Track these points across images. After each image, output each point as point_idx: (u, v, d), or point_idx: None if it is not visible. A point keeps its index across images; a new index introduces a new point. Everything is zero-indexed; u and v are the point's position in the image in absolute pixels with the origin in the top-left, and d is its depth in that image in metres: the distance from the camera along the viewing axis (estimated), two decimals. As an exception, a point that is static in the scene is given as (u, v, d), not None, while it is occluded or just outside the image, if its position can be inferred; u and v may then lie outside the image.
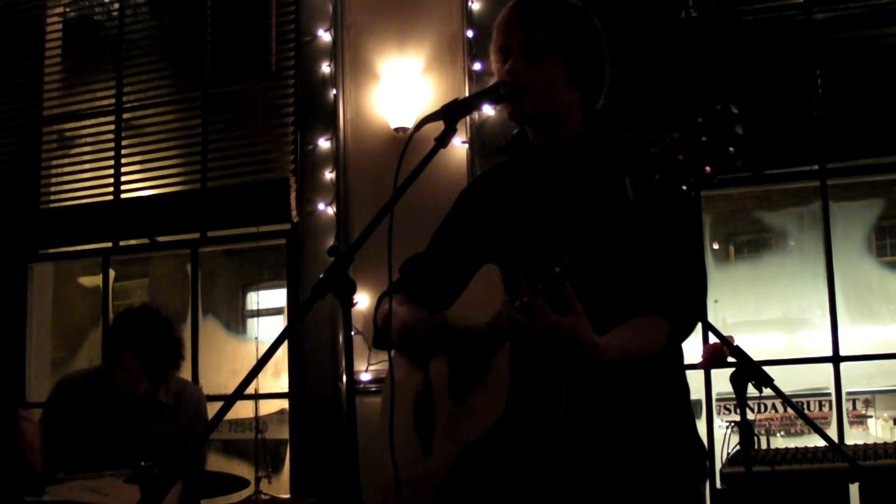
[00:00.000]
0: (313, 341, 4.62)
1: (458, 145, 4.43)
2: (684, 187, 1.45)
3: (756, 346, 3.38)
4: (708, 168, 1.43)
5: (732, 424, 2.95)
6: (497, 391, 1.75)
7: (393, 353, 2.16)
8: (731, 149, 1.41)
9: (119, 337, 3.49)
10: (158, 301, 3.76)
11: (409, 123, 4.53)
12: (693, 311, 1.87)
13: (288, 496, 4.44)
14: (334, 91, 4.75)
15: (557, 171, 1.99)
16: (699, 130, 1.43)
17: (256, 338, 4.88)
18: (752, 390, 2.77)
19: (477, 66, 4.49)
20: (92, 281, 6.87)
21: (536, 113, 1.96)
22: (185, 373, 4.83)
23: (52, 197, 5.35)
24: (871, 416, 7.42)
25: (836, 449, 3.07)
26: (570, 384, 1.77)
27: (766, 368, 2.75)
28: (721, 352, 2.96)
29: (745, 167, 4.27)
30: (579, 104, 2.00)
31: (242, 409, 5.93)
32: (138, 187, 5.18)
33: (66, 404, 3.55)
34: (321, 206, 4.71)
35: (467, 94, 4.25)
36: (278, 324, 7.15)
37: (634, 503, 1.84)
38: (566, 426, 1.79)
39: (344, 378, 4.46)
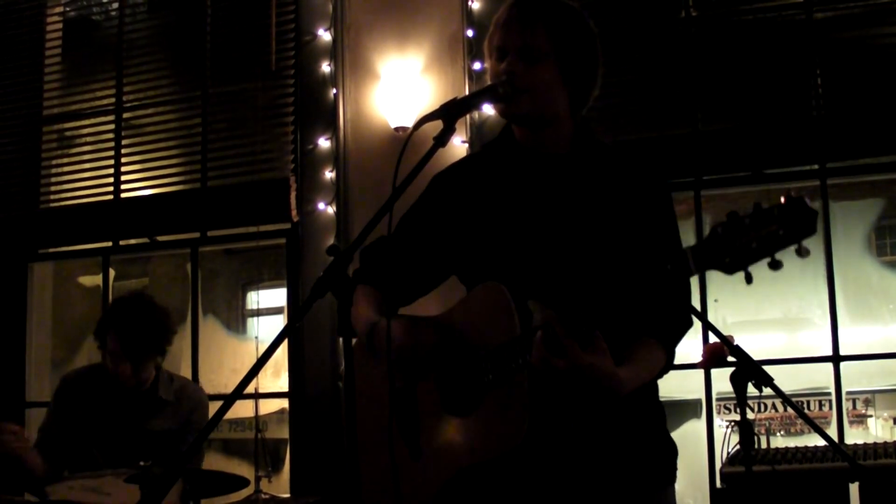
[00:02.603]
0: (313, 341, 4.62)
1: (458, 144, 4.43)
2: (747, 268, 1.51)
3: (756, 345, 3.38)
4: (776, 254, 1.48)
5: (732, 424, 2.95)
6: (515, 419, 1.76)
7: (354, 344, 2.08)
8: (805, 244, 1.46)
9: (104, 319, 3.53)
10: (159, 300, 3.74)
11: (409, 123, 4.52)
12: (683, 333, 1.96)
13: (288, 495, 4.43)
14: (334, 90, 4.75)
15: (552, 180, 1.99)
16: (774, 221, 1.48)
17: (256, 337, 4.88)
18: (752, 390, 2.77)
19: (477, 66, 4.48)
20: (92, 280, 6.87)
21: (529, 113, 1.97)
22: (185, 372, 4.85)
23: (52, 196, 5.35)
24: (871, 416, 7.41)
25: (836, 448, 3.07)
26: (580, 414, 1.82)
27: (766, 368, 2.74)
28: (721, 351, 2.96)
29: (745, 166, 4.30)
30: (568, 108, 2.01)
31: (242, 409, 5.93)
32: (138, 187, 5.18)
33: (70, 401, 3.57)
34: (321, 206, 4.71)
35: (467, 94, 4.25)
36: (278, 323, 7.15)
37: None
38: (542, 430, 1.80)
39: (344, 377, 4.45)
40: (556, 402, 1.81)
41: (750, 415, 2.86)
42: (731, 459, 3.26)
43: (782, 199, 1.48)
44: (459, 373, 1.92)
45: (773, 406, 7.07)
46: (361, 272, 2.13)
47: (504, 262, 1.94)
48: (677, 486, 1.99)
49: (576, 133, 2.02)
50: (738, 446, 2.95)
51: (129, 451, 3.35)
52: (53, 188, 5.36)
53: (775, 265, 1.48)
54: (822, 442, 3.02)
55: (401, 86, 4.57)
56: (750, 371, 2.74)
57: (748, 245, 1.49)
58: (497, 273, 1.90)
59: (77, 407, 3.54)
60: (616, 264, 1.74)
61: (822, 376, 5.29)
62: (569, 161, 2.00)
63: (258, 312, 6.21)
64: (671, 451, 1.97)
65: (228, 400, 1.63)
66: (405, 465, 1.96)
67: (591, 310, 1.67)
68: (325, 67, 4.79)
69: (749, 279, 1.51)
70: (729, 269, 1.52)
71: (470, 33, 4.56)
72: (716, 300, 6.17)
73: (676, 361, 2.01)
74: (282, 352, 4.79)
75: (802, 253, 1.46)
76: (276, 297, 6.56)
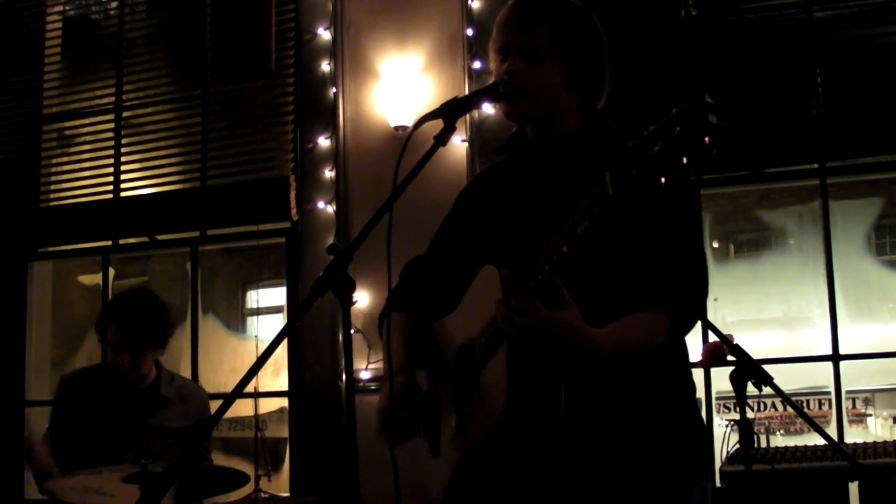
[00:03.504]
0: (313, 339, 4.62)
1: (458, 144, 4.43)
2: (663, 179, 1.43)
3: (756, 344, 3.38)
4: (685, 159, 1.40)
5: (732, 423, 2.95)
6: (496, 392, 1.77)
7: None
8: (707, 139, 1.38)
9: (105, 312, 3.56)
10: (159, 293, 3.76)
11: (409, 122, 4.52)
12: (694, 303, 1.86)
13: (287, 494, 4.44)
14: (334, 89, 4.75)
15: (549, 167, 1.99)
16: (673, 121, 1.41)
17: (256, 336, 4.88)
18: (751, 389, 2.77)
19: (477, 65, 4.48)
20: (92, 279, 6.87)
21: (533, 112, 1.97)
22: (185, 371, 4.85)
23: (52, 195, 5.35)
24: (870, 415, 7.41)
25: (836, 447, 3.07)
26: (570, 380, 1.77)
27: (766, 367, 2.75)
28: (721, 350, 2.96)
29: (745, 166, 4.30)
30: (577, 105, 2.00)
31: (242, 408, 5.90)
32: (138, 186, 5.18)
33: (70, 400, 3.58)
34: (321, 205, 4.71)
35: (467, 93, 4.25)
36: (278, 322, 7.15)
37: (639, 501, 1.84)
38: (567, 422, 1.79)
39: (343, 376, 4.46)
40: (544, 366, 1.79)
41: (749, 414, 2.86)
42: (731, 458, 3.26)
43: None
44: (465, 363, 1.94)
45: (773, 405, 7.07)
46: (398, 291, 2.17)
47: (507, 253, 1.96)
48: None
49: (582, 123, 2.01)
50: (737, 445, 2.96)
51: (132, 448, 3.37)
52: (53, 187, 5.36)
53: (684, 170, 1.40)
54: (821, 441, 3.02)
55: (401, 85, 4.57)
56: (749, 370, 2.74)
57: (651, 152, 1.43)
58: (502, 264, 1.91)
59: (78, 406, 3.55)
60: (611, 243, 1.71)
61: (821, 375, 5.29)
62: (563, 147, 1.99)
63: (258, 311, 6.20)
64: (704, 447, 1.94)
65: (228, 399, 1.63)
66: (427, 462, 2.00)
67: (550, 266, 1.64)
68: (325, 66, 4.79)
69: (662, 188, 1.43)
70: (640, 182, 1.45)
71: (470, 32, 4.55)
72: (715, 299, 6.17)
73: (689, 329, 1.96)
74: (281, 350, 4.78)
75: (707, 152, 1.38)
76: (276, 296, 6.55)
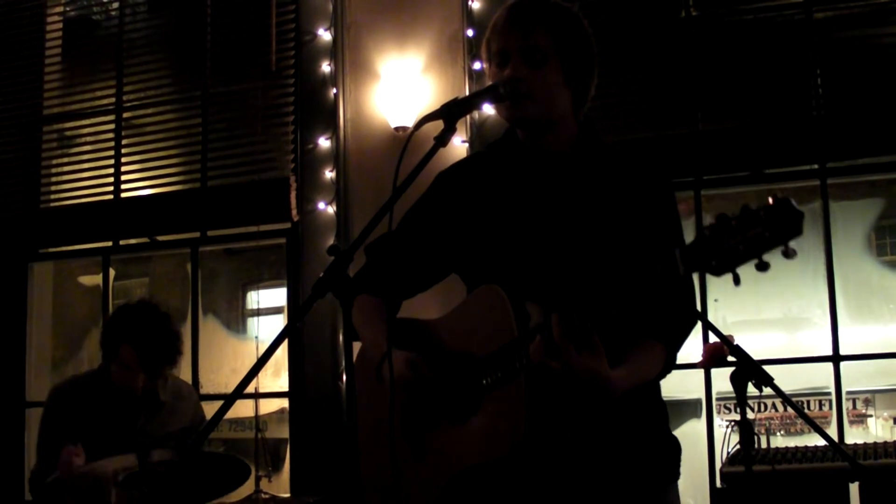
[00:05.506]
0: (313, 340, 4.62)
1: (458, 144, 4.43)
2: (737, 270, 1.50)
3: (756, 345, 3.38)
4: (764, 257, 1.47)
5: (732, 424, 2.95)
6: (511, 423, 1.77)
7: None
8: (792, 245, 1.44)
9: (116, 331, 3.43)
10: (159, 300, 3.71)
11: (410, 122, 4.53)
12: (687, 334, 1.95)
13: (288, 495, 4.44)
14: (334, 90, 4.75)
15: (555, 179, 1.99)
16: (760, 223, 1.46)
17: (257, 337, 4.87)
18: (752, 389, 2.77)
19: (477, 66, 4.49)
20: (92, 280, 6.86)
21: (536, 117, 1.97)
22: (185, 372, 4.85)
23: (52, 196, 5.35)
24: (871, 416, 7.40)
25: (837, 448, 3.07)
26: (578, 412, 1.82)
27: (767, 367, 2.75)
28: (721, 351, 2.96)
29: (745, 166, 4.30)
30: (571, 108, 2.01)
31: (243, 408, 5.91)
32: (138, 186, 5.18)
33: (63, 411, 3.48)
34: (321, 206, 4.71)
35: (467, 94, 4.25)
36: (278, 323, 7.14)
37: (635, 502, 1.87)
38: (569, 445, 1.82)
39: (344, 377, 4.46)
40: (555, 403, 1.81)
41: (750, 414, 2.86)
42: (732, 459, 3.26)
43: (770, 201, 1.47)
44: (459, 380, 1.92)
45: (773, 406, 7.05)
46: (364, 272, 2.13)
47: (503, 261, 1.95)
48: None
49: (579, 133, 2.02)
50: (738, 446, 2.96)
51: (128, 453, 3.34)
52: (53, 188, 5.37)
53: (762, 266, 1.47)
54: (822, 442, 3.03)
55: (401, 85, 4.57)
56: (750, 371, 2.74)
57: (735, 247, 1.48)
58: (496, 273, 1.91)
59: (74, 417, 3.45)
60: (615, 265, 1.73)
61: (822, 376, 5.28)
62: (570, 160, 2.00)
63: (258, 312, 6.19)
64: (674, 448, 1.98)
65: (229, 400, 1.63)
66: (408, 465, 1.97)
67: (590, 312, 1.66)
68: (326, 67, 4.79)
69: (737, 281, 1.51)
70: (716, 271, 1.52)
71: (470, 33, 4.56)
72: (716, 300, 6.16)
73: (677, 361, 2.01)
74: (282, 351, 4.79)
75: (789, 254, 1.45)
76: (277, 296, 6.55)
